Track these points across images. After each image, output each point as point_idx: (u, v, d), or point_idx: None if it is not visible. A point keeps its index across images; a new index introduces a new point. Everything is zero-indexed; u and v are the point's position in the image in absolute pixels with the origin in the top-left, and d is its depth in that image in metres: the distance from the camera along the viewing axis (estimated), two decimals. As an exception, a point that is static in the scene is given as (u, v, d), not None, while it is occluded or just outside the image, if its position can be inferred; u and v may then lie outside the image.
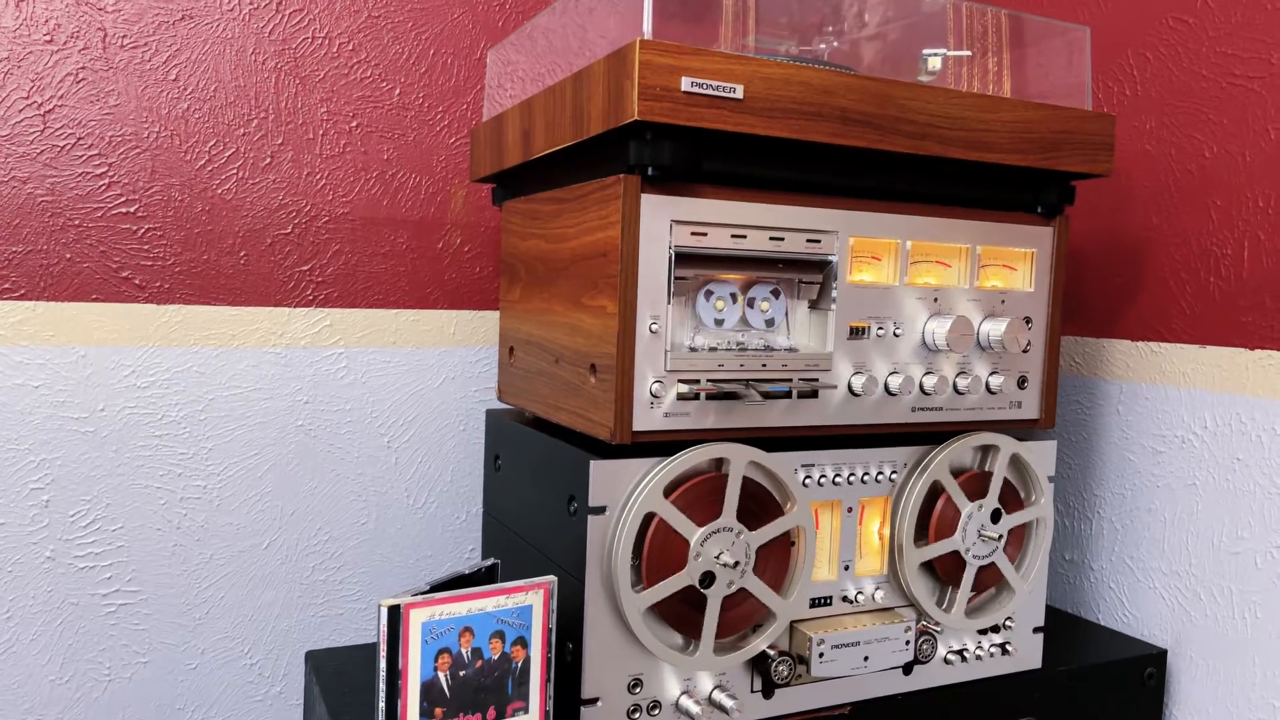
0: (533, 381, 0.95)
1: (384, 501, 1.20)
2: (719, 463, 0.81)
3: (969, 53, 0.90)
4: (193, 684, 1.11)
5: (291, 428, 1.14)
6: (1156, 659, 1.06)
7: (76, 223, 1.04)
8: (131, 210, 1.06)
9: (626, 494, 0.78)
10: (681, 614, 0.80)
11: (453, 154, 1.21)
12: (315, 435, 1.16)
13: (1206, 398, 1.05)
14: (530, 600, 0.79)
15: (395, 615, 0.74)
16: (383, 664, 0.74)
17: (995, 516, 0.92)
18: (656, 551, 0.78)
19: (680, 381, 0.78)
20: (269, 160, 1.12)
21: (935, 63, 0.89)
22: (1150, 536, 1.11)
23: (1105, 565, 1.17)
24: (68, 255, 1.04)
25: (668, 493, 0.78)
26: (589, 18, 0.94)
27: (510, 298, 1.02)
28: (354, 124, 1.16)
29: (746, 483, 0.81)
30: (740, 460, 0.80)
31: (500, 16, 1.22)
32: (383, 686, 0.74)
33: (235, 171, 1.11)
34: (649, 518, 0.78)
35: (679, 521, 0.78)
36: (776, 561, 0.84)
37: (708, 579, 0.80)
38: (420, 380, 1.21)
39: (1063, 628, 1.12)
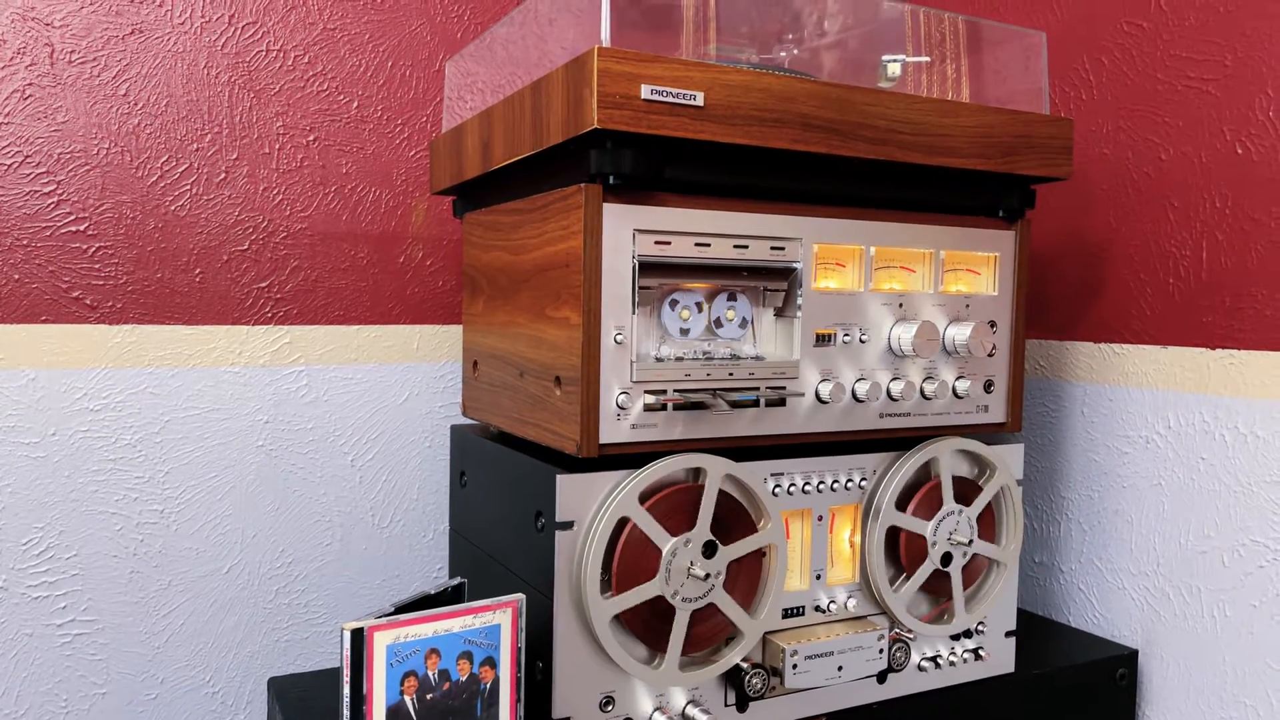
0: (497, 396, 0.93)
1: (348, 521, 1.17)
2: (693, 473, 0.80)
3: (928, 58, 0.91)
4: (153, 714, 1.08)
5: (251, 448, 1.12)
6: (1128, 659, 1.06)
7: (25, 242, 1.01)
8: (82, 229, 1.04)
9: (595, 508, 0.76)
10: (651, 626, 0.79)
11: (413, 167, 1.19)
12: (276, 455, 1.13)
13: (1169, 397, 1.06)
14: (498, 619, 0.77)
15: (359, 639, 0.72)
16: (347, 689, 0.72)
17: (967, 535, 0.92)
18: (628, 561, 0.77)
19: (647, 392, 0.77)
20: (224, 175, 1.10)
21: (895, 69, 0.89)
22: (1118, 537, 1.12)
23: (1075, 567, 1.17)
24: (16, 276, 1.01)
25: (643, 499, 0.77)
26: (547, 28, 0.94)
27: (473, 311, 1.01)
28: (311, 138, 1.14)
29: (720, 496, 0.80)
30: (717, 472, 0.79)
31: (459, 28, 1.21)
32: (347, 713, 0.72)
33: (189, 187, 1.08)
34: (621, 524, 0.77)
35: (653, 529, 0.77)
36: (748, 574, 0.83)
37: (679, 591, 0.78)
38: (383, 397, 1.19)
39: (1034, 631, 1.12)
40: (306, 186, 1.14)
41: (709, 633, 0.81)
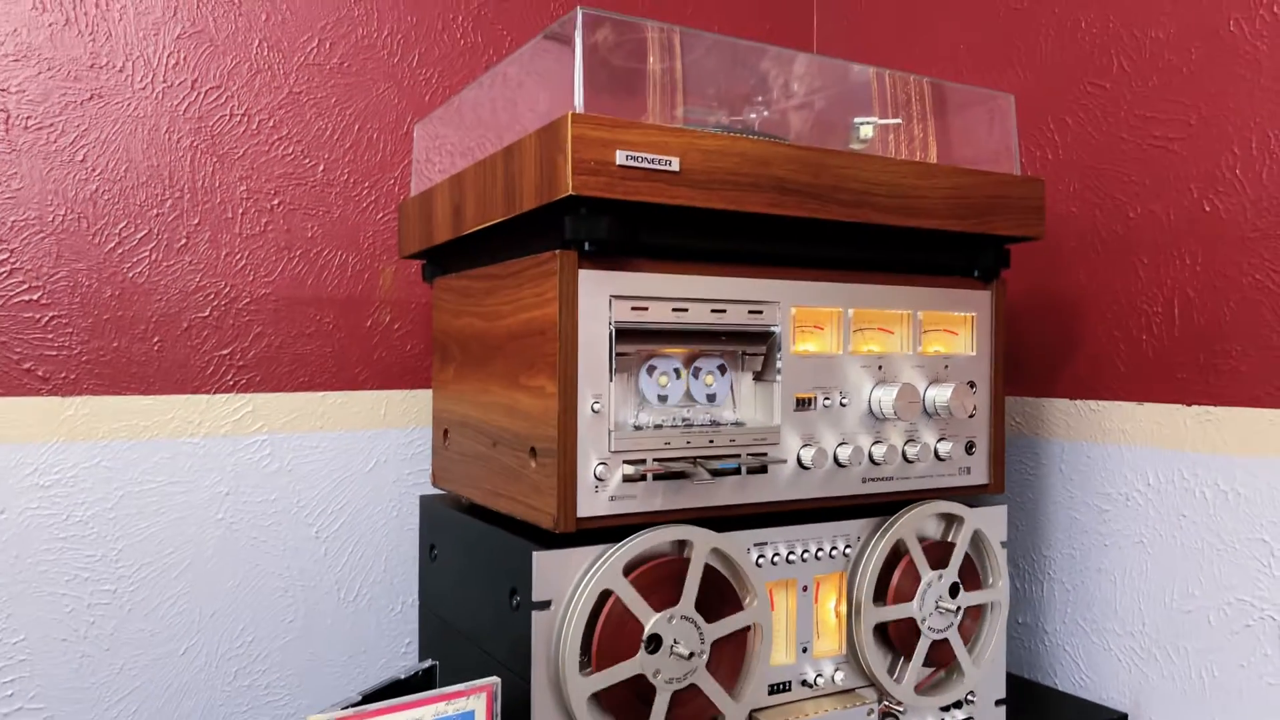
0: (469, 466, 0.90)
1: (312, 596, 1.13)
2: (679, 546, 0.77)
3: (899, 120, 0.91)
4: (102, 809, 1.02)
5: (210, 521, 1.08)
6: (1117, 723, 1.04)
7: (-27, 312, 0.98)
8: (35, 298, 1.00)
9: (574, 585, 0.73)
10: (630, 708, 0.76)
11: (380, 230, 1.17)
12: (236, 529, 1.09)
13: (1147, 454, 1.06)
14: (472, 705, 0.74)
15: (325, 731, 0.68)
16: (312, 786, 0.68)
17: (954, 591, 0.90)
18: (608, 637, 0.74)
19: (626, 462, 0.74)
20: (184, 241, 1.07)
21: (867, 130, 0.89)
22: (1102, 597, 1.10)
23: (1059, 628, 1.15)
24: (-37, 347, 0.97)
25: (627, 571, 0.74)
26: (518, 91, 0.93)
27: (443, 378, 0.98)
28: (275, 201, 1.12)
29: (705, 570, 0.77)
30: (703, 545, 0.76)
31: (427, 90, 1.20)
32: (312, 811, 0.68)
33: (148, 254, 1.05)
34: (604, 597, 0.73)
35: (636, 604, 0.74)
36: (732, 652, 0.80)
37: (659, 670, 0.75)
38: (350, 465, 1.15)
39: (1022, 695, 1.09)
40: (270, 251, 1.12)
41: (691, 716, 0.78)
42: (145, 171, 1.05)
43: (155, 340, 1.06)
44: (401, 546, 1.18)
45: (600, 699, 0.74)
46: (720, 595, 0.79)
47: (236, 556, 1.09)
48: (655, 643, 0.75)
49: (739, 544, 0.80)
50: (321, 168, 1.14)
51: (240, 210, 1.10)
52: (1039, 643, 1.17)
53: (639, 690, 0.75)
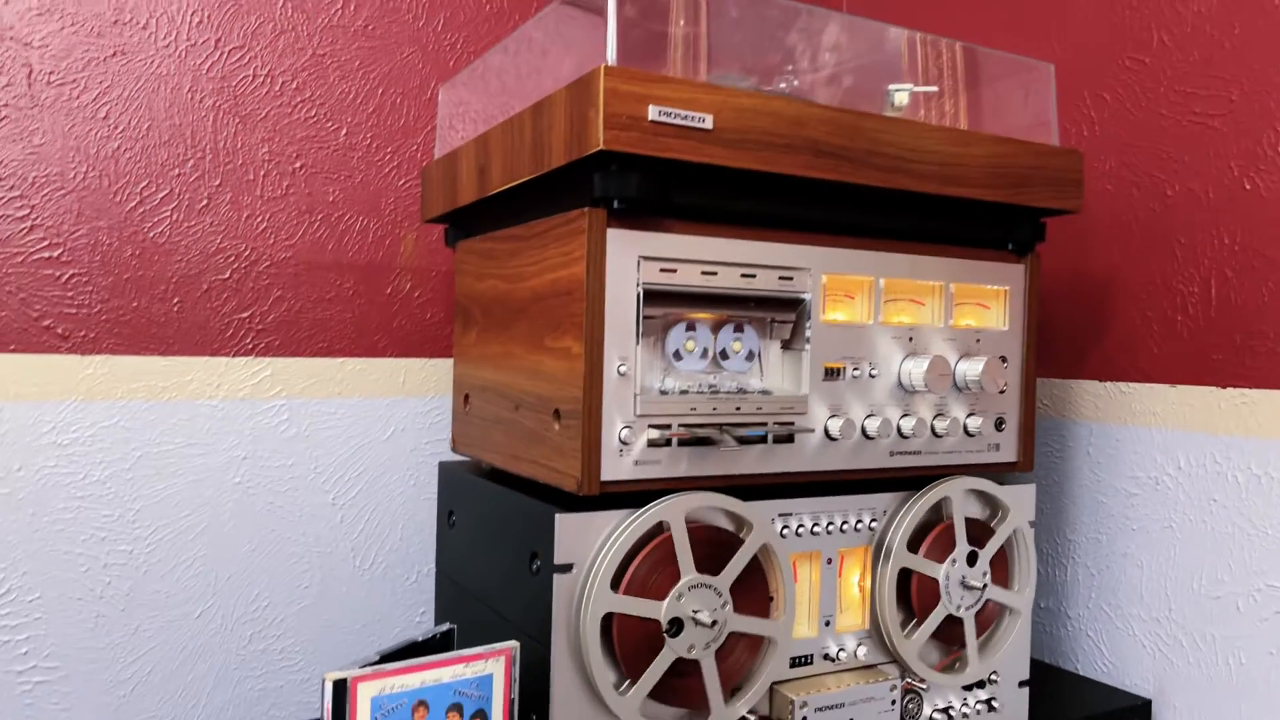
0: (490, 430, 0.89)
1: (328, 563, 1.12)
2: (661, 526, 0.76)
3: (935, 88, 0.89)
4: (115, 769, 1.02)
5: (228, 485, 1.07)
6: (1141, 710, 1.02)
7: (-6, 268, 0.97)
8: (55, 255, 0.99)
9: (595, 550, 0.72)
10: (665, 685, 0.74)
11: (402, 196, 1.16)
12: (253, 493, 1.08)
13: (1179, 438, 1.04)
14: (490, 669, 0.73)
15: (341, 691, 0.67)
16: (328, 745, 0.67)
17: (971, 559, 0.88)
18: (629, 636, 0.72)
19: (651, 426, 0.73)
20: (205, 202, 1.06)
21: (902, 98, 0.87)
22: (1128, 582, 1.08)
23: (1082, 613, 1.13)
24: (-17, 303, 0.96)
25: (620, 574, 0.73)
26: (543, 56, 0.91)
27: (465, 342, 0.97)
28: (298, 165, 1.11)
29: (709, 533, 0.75)
30: (678, 516, 0.74)
31: (451, 55, 1.19)
32: (328, 770, 0.67)
33: (169, 214, 1.04)
34: (607, 620, 0.73)
35: (639, 608, 0.72)
36: (759, 596, 0.78)
37: (688, 639, 0.74)
38: (368, 432, 1.14)
39: (1043, 679, 1.08)
40: (292, 214, 1.11)
41: (734, 667, 0.77)
42: (167, 130, 1.04)
43: (175, 301, 1.05)
44: (418, 515, 1.17)
45: (619, 658, 0.73)
46: (725, 547, 0.77)
47: (253, 521, 1.08)
48: (676, 626, 0.73)
49: (763, 513, 0.79)
50: (344, 131, 1.13)
51: (262, 172, 1.09)
52: (1061, 628, 1.16)
53: (681, 669, 0.74)
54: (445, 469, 1.01)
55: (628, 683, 0.73)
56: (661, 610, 0.73)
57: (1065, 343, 1.16)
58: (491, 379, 0.89)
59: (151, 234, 1.04)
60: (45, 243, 0.99)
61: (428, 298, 1.18)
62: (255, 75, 1.08)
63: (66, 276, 1.00)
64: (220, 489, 1.07)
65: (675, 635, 0.73)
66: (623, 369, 0.72)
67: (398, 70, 1.16)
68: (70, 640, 1.00)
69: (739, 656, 0.77)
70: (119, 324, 1.02)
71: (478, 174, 0.86)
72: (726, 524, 0.77)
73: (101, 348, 1.01)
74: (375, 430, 1.15)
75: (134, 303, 1.03)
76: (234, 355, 1.08)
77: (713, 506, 0.76)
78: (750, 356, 0.79)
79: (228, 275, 1.07)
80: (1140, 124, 1.08)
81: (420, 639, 0.76)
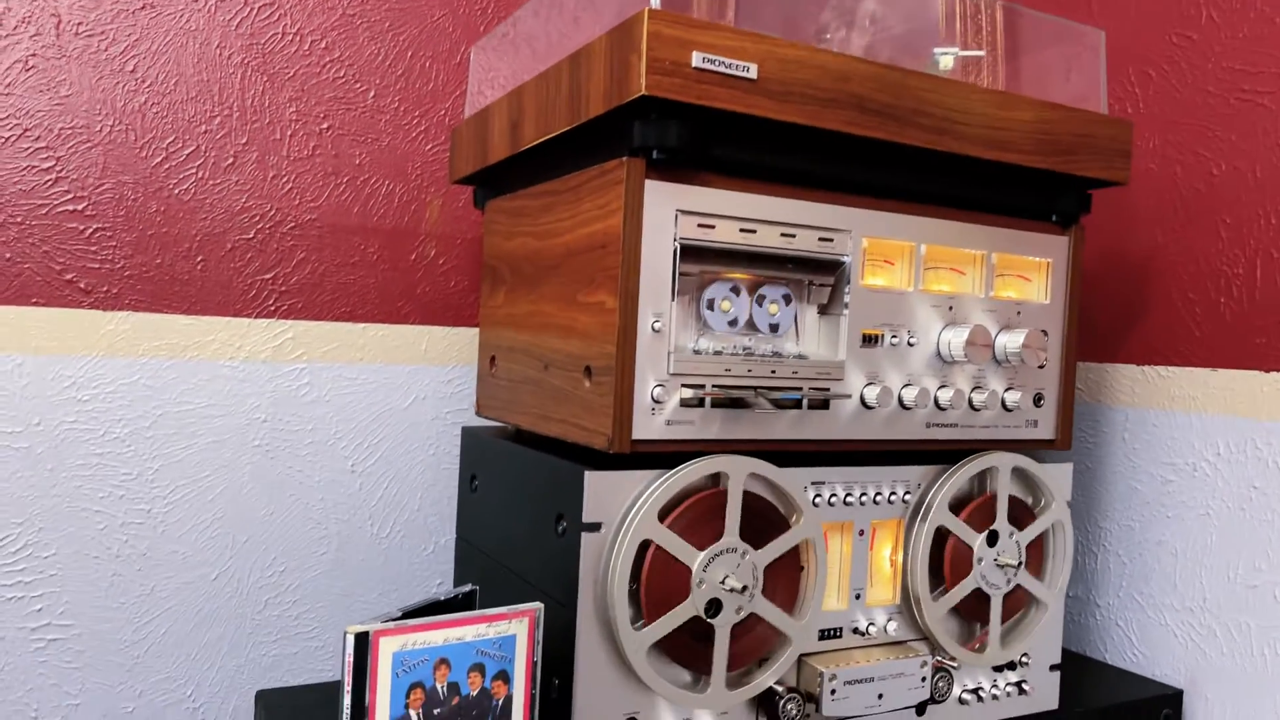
0: (517, 392, 0.87)
1: (346, 530, 1.11)
2: (718, 478, 0.74)
3: (982, 52, 0.86)
4: (128, 730, 1.00)
5: (247, 448, 1.06)
6: (1172, 699, 0.99)
7: (18, 220, 0.96)
8: (79, 208, 0.98)
9: (624, 510, 0.70)
10: (685, 647, 0.73)
11: (429, 161, 1.15)
12: (273, 456, 1.07)
13: (1219, 423, 1.01)
14: (514, 629, 0.71)
15: (363, 644, 0.66)
16: (347, 700, 0.65)
17: (992, 539, 0.86)
18: (656, 579, 0.71)
19: (684, 386, 0.71)
20: (231, 160, 1.05)
21: (947, 61, 0.85)
22: (1161, 570, 1.06)
23: (1113, 601, 1.11)
24: (7, 255, 0.95)
25: (663, 516, 0.71)
26: (575, 21, 0.89)
27: (493, 303, 0.95)
28: (325, 125, 1.09)
29: (750, 499, 0.74)
30: (740, 474, 0.73)
31: (482, 20, 1.17)
32: (347, 726, 0.65)
33: (194, 171, 1.03)
34: (645, 545, 0.70)
35: (677, 547, 0.71)
36: (785, 587, 0.76)
37: (714, 607, 0.72)
38: (389, 399, 1.13)
39: (1071, 667, 1.05)
40: (318, 176, 1.09)
41: (742, 652, 0.75)
42: (195, 86, 1.03)
43: (199, 259, 1.03)
44: (437, 485, 1.15)
45: (657, 642, 0.71)
46: (770, 526, 0.75)
47: (271, 484, 1.07)
48: (715, 607, 0.72)
49: (796, 480, 0.77)
50: (372, 94, 1.12)
51: (289, 132, 1.07)
52: (1089, 616, 1.13)
53: (693, 629, 0.72)
54: (469, 433, 0.99)
55: (643, 621, 0.71)
56: (698, 559, 0.71)
57: (1102, 326, 1.13)
58: (519, 339, 0.87)
59: (177, 190, 1.02)
60: (70, 195, 0.98)
61: (452, 265, 1.16)
62: (284, 33, 1.07)
63: (90, 230, 0.99)
64: (240, 451, 1.05)
65: (701, 586, 0.71)
66: (657, 325, 0.70)
67: (428, 33, 1.14)
68: (85, 599, 0.99)
69: (766, 629, 0.75)
70: (142, 280, 1.01)
71: (510, 130, 0.84)
72: (765, 493, 0.75)
73: (124, 304, 1.00)
74: (396, 397, 1.13)
75: (157, 259, 1.02)
76: (256, 316, 1.06)
77: (763, 476, 0.74)
78: (787, 320, 0.77)
79: (252, 235, 1.06)
80: (1186, 101, 1.06)
81: (442, 598, 0.74)
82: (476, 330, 1.17)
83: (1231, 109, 1.02)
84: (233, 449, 1.05)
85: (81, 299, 0.98)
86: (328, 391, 1.10)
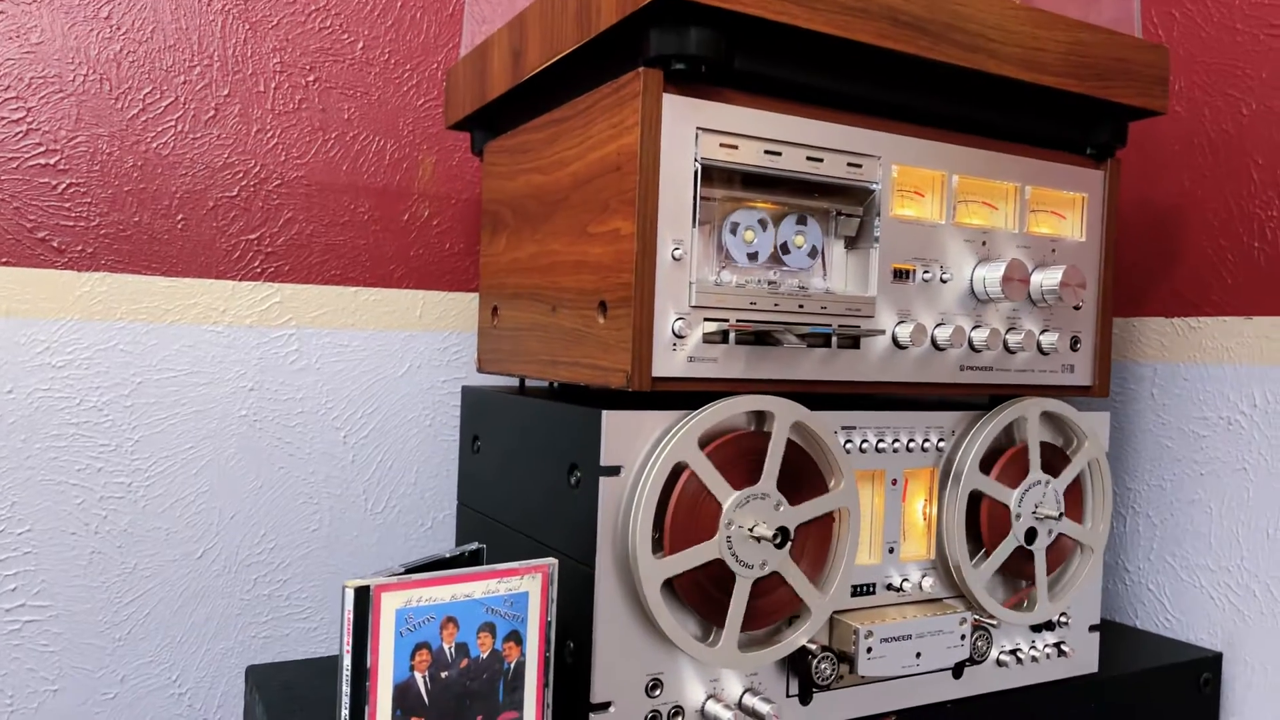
0: (522, 340, 0.82)
1: (338, 504, 1.05)
2: (755, 419, 0.68)
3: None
4: (110, 716, 0.94)
5: (233, 417, 1.00)
6: (1211, 663, 0.95)
7: (-16, 173, 0.90)
8: (51, 162, 0.92)
9: (647, 451, 0.65)
10: (708, 597, 0.67)
11: (421, 117, 1.09)
12: (261, 427, 1.01)
13: (1254, 372, 0.96)
14: (526, 586, 0.65)
15: (363, 600, 0.60)
16: (347, 662, 0.60)
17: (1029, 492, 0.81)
18: (683, 515, 0.65)
19: (707, 320, 0.66)
20: (213, 113, 0.99)
21: (973, -15, 0.80)
22: (1194, 530, 1.01)
23: (1143, 565, 1.06)
24: (-28, 210, 0.89)
25: (703, 444, 0.65)
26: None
27: (493, 250, 0.90)
28: (311, 78, 1.04)
29: (787, 446, 0.68)
30: (786, 419, 0.68)
31: (475, -31, 1.11)
32: (347, 689, 0.60)
33: (173, 124, 0.97)
34: (677, 471, 0.65)
35: (713, 479, 0.65)
36: (816, 540, 0.71)
37: (738, 556, 0.67)
38: (382, 367, 1.07)
39: (1105, 632, 1.01)
40: (304, 131, 1.03)
41: (770, 607, 0.70)
42: (173, 34, 0.97)
43: (179, 218, 0.98)
44: (434, 458, 1.10)
45: (674, 584, 0.66)
46: (802, 476, 0.70)
47: (259, 457, 1.01)
48: (734, 528, 0.66)
49: (827, 425, 0.71)
50: (361, 45, 1.06)
51: (273, 84, 1.02)
52: (1118, 581, 1.08)
53: (718, 579, 0.67)
54: (469, 392, 0.93)
55: (663, 551, 0.65)
56: (731, 497, 0.65)
57: (1127, 279, 1.09)
58: (524, 284, 0.81)
59: (155, 144, 0.97)
60: (42, 149, 0.92)
61: (447, 226, 1.11)
62: (267, -20, 1.01)
63: (63, 186, 0.93)
64: (225, 421, 0.99)
65: (729, 527, 0.66)
66: (677, 253, 0.65)
67: (419, -18, 1.09)
68: (62, 578, 0.92)
69: (782, 594, 0.70)
70: (119, 239, 0.95)
71: (512, 59, 0.79)
72: (802, 442, 0.70)
73: (100, 264, 0.94)
74: (390, 365, 1.08)
75: (135, 217, 0.96)
76: (241, 279, 1.00)
77: (806, 425, 0.69)
78: (813, 253, 0.72)
79: (235, 193, 1.00)
80: (1213, 41, 1.01)
81: (447, 555, 0.69)
82: (474, 295, 1.11)
83: (1261, 46, 0.97)
84: (218, 419, 0.99)
85: (55, 258, 0.92)
86: (317, 359, 1.04)
